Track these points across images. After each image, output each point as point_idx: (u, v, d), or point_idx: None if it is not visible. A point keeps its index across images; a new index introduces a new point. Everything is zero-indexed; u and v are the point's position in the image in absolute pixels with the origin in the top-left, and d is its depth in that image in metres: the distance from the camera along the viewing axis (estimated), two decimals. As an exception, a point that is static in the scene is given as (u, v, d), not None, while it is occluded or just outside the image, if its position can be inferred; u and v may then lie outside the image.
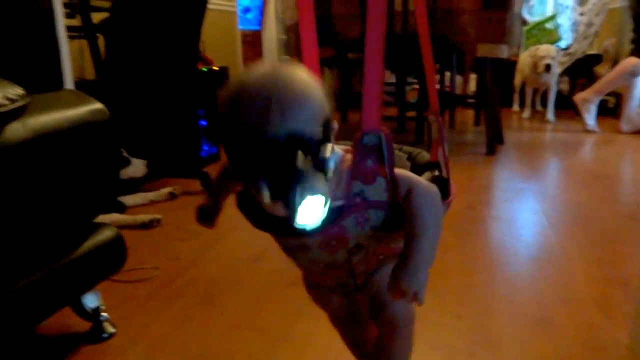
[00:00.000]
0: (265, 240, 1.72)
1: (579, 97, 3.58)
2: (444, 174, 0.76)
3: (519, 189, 2.11)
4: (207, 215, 0.75)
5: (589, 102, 3.52)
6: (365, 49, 0.55)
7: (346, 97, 4.11)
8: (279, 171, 0.49)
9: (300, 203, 0.50)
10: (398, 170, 0.58)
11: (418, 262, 0.58)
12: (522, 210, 1.86)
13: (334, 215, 0.57)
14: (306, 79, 0.54)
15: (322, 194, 0.51)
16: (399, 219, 0.59)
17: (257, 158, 0.50)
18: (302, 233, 0.56)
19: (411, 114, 3.08)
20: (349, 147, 0.60)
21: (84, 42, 2.24)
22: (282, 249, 0.70)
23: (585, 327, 1.07)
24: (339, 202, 0.57)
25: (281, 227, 0.58)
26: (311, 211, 0.51)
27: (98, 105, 0.95)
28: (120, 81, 2.03)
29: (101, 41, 2.09)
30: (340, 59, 3.48)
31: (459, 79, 4.28)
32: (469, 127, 3.83)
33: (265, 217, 0.59)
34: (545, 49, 4.01)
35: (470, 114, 4.02)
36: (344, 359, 0.96)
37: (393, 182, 0.57)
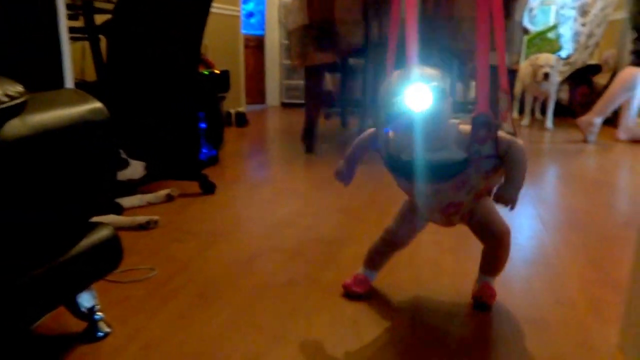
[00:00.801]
0: (259, 241, 1.74)
1: (583, 121, 3.51)
2: (515, 132, 1.06)
3: (516, 194, 2.11)
4: (344, 177, 1.12)
5: (592, 125, 3.48)
6: (476, 50, 0.95)
7: (347, 102, 4.14)
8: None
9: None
10: (500, 134, 0.97)
11: (518, 183, 0.99)
12: (519, 215, 1.87)
13: (463, 166, 0.97)
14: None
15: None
16: (500, 164, 0.99)
17: None
18: (445, 179, 0.98)
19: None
20: (466, 122, 0.98)
21: (86, 44, 2.26)
22: (412, 196, 1.09)
23: (578, 327, 1.07)
24: (464, 156, 0.96)
25: (431, 174, 0.99)
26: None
27: (98, 105, 0.96)
28: (121, 83, 2.05)
29: (103, 43, 2.11)
30: (342, 65, 3.51)
31: (459, 86, 4.30)
32: (468, 134, 3.84)
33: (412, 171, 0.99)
34: (544, 57, 4.04)
35: (470, 120, 4.03)
36: (338, 356, 0.97)
37: (498, 142, 0.96)
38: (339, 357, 0.97)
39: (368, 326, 1.08)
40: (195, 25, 2.17)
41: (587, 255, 1.48)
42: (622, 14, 4.21)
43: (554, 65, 4.04)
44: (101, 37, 2.14)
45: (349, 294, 1.20)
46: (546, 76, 3.97)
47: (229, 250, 1.52)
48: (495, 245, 1.12)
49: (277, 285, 1.28)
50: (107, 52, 2.05)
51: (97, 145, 0.95)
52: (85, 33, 2.14)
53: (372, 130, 1.08)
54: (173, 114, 2.26)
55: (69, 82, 1.72)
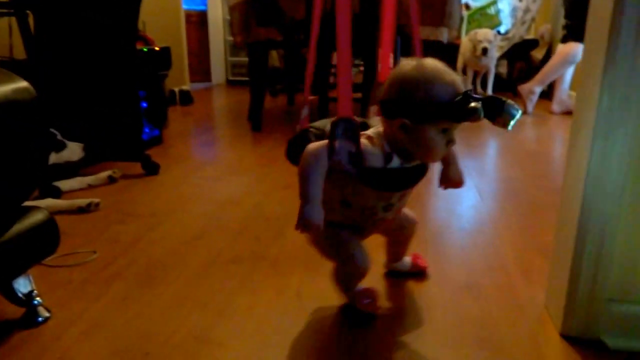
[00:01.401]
0: (205, 220, 1.73)
1: (524, 88, 3.71)
2: None
3: (456, 166, 2.19)
4: (314, 220, 0.86)
5: (532, 93, 3.67)
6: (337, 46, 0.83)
7: (293, 79, 4.12)
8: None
9: (517, 113, 0.79)
10: None
11: (459, 162, 1.02)
12: (458, 186, 1.94)
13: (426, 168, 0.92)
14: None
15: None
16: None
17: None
18: (414, 183, 0.93)
19: (357, 95, 3.12)
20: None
21: (13, 20, 2.13)
22: (369, 211, 0.95)
23: (508, 290, 1.15)
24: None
25: (406, 181, 0.92)
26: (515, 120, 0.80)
27: (23, 84, 0.92)
28: (52, 61, 1.96)
29: (31, 18, 2.00)
30: (286, 40, 3.47)
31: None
32: (413, 109, 3.92)
33: (392, 180, 0.90)
34: (483, 33, 4.15)
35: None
36: (282, 329, 1.00)
37: None
38: (283, 329, 1.00)
39: (312, 298, 1.11)
40: (130, 1, 2.08)
41: (519, 222, 1.57)
42: (556, -10, 4.37)
43: (492, 40, 4.16)
44: (29, 12, 2.03)
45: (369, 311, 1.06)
46: (485, 51, 4.09)
47: (173, 230, 1.51)
48: (409, 234, 1.14)
49: (222, 262, 1.29)
50: (34, 27, 1.94)
51: (24, 126, 0.91)
52: (11, 8, 2.01)
53: (322, 144, 0.85)
54: (111, 93, 2.18)
55: (-6, 61, 1.63)
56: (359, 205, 0.93)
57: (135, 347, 0.94)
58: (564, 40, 3.49)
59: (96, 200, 1.69)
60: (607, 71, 0.83)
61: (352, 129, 0.83)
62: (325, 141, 0.84)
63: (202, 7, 5.48)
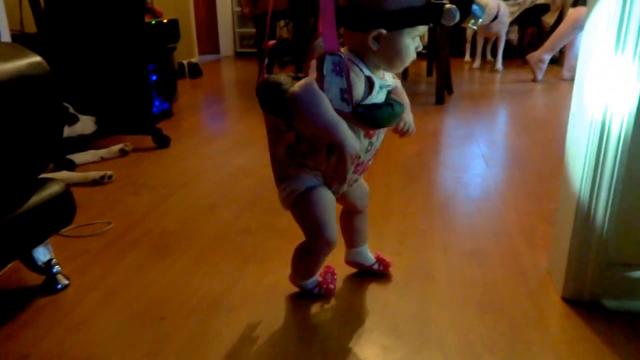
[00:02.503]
0: (216, 192, 1.77)
1: (533, 57, 3.63)
2: None
3: (463, 135, 2.20)
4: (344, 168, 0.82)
5: (542, 62, 3.60)
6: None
7: (301, 50, 4.10)
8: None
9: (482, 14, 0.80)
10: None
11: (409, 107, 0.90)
12: (465, 155, 1.95)
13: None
14: None
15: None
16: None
17: None
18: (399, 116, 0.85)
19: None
20: None
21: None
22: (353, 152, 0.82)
23: (512, 255, 1.17)
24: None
25: (395, 114, 0.83)
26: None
27: (37, 58, 0.94)
28: (62, 34, 1.97)
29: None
30: (294, 11, 3.43)
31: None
32: (422, 78, 3.89)
33: (384, 115, 0.81)
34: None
35: (423, 65, 4.08)
36: (290, 299, 1.04)
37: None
38: (291, 297, 1.03)
39: (320, 265, 1.14)
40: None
41: (525, 189, 1.59)
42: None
43: (502, 6, 4.08)
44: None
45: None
46: (495, 17, 4.02)
47: (185, 202, 1.55)
48: (366, 207, 1.05)
49: (233, 233, 1.33)
50: (45, 1, 1.96)
51: (39, 100, 0.94)
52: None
53: (309, 80, 0.76)
54: (121, 67, 2.19)
55: (5, 36, 1.65)
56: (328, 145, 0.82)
57: (152, 312, 0.99)
58: (575, 4, 3.42)
59: (109, 172, 1.73)
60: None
61: (340, 64, 0.75)
62: (311, 78, 0.76)
63: (208, -23, 5.41)
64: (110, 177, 1.73)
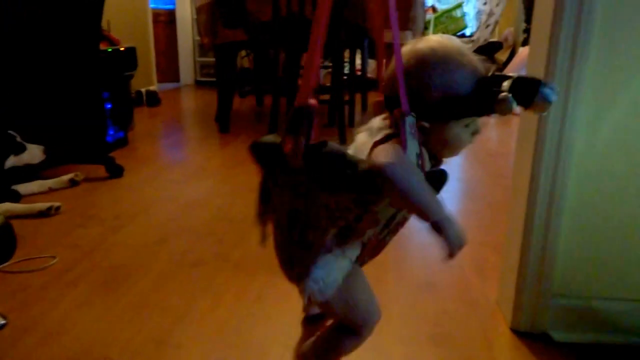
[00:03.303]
0: (169, 223, 1.72)
1: None
2: None
3: (419, 167, 2.24)
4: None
5: None
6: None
7: (262, 80, 4.12)
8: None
9: (554, 96, 0.61)
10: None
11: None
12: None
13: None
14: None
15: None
16: None
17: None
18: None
19: (324, 97, 3.14)
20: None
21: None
22: (395, 227, 0.71)
23: (463, 286, 1.19)
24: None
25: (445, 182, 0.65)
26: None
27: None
28: (9, 60, 1.91)
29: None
30: (254, 42, 3.46)
31: (373, 63, 4.41)
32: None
33: (443, 182, 0.65)
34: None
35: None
36: (242, 331, 1.01)
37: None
38: (243, 331, 1.01)
39: (273, 300, 1.12)
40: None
41: (478, 221, 1.62)
42: (518, -7, 4.49)
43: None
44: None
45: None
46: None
47: (136, 234, 1.50)
48: None
49: (185, 266, 1.29)
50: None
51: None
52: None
53: (394, 147, 0.61)
54: (73, 95, 2.14)
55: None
56: (400, 218, 0.71)
57: (94, 353, 0.94)
58: (525, 43, 3.59)
59: (57, 204, 1.67)
60: (547, 76, 0.87)
61: (414, 125, 0.62)
62: (393, 144, 0.62)
63: (170, 6, 5.42)
64: (57, 208, 1.66)
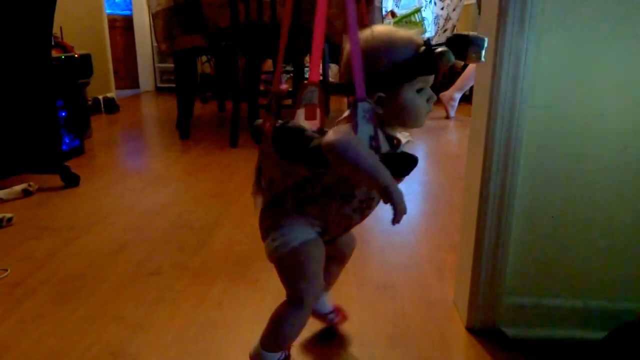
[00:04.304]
0: (126, 232, 1.69)
1: (445, 95, 3.88)
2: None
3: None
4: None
5: (453, 100, 3.85)
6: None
7: (223, 86, 4.09)
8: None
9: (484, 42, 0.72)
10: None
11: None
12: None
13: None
14: None
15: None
16: None
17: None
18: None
19: (287, 102, 3.14)
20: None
21: None
22: (367, 204, 0.81)
23: (421, 287, 1.21)
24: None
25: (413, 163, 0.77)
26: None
27: None
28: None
29: None
30: (213, 48, 3.44)
31: (334, 67, 4.44)
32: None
33: (406, 164, 0.77)
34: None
35: (345, 101, 4.20)
36: (200, 339, 1.00)
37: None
38: (202, 338, 1.00)
39: (233, 307, 1.12)
40: (41, 5, 2.00)
41: (436, 223, 1.65)
42: (473, -1, 4.62)
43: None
44: None
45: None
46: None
47: (92, 244, 1.47)
48: (351, 253, 1.01)
49: (143, 275, 1.27)
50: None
51: None
52: None
53: (346, 127, 0.71)
54: (25, 103, 2.08)
55: None
56: (363, 196, 0.80)
57: (45, 367, 0.91)
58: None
59: (8, 215, 1.61)
60: (493, 84, 0.90)
61: (369, 111, 0.70)
62: (345, 124, 0.71)
63: (127, 12, 5.32)
64: (9, 219, 1.61)
